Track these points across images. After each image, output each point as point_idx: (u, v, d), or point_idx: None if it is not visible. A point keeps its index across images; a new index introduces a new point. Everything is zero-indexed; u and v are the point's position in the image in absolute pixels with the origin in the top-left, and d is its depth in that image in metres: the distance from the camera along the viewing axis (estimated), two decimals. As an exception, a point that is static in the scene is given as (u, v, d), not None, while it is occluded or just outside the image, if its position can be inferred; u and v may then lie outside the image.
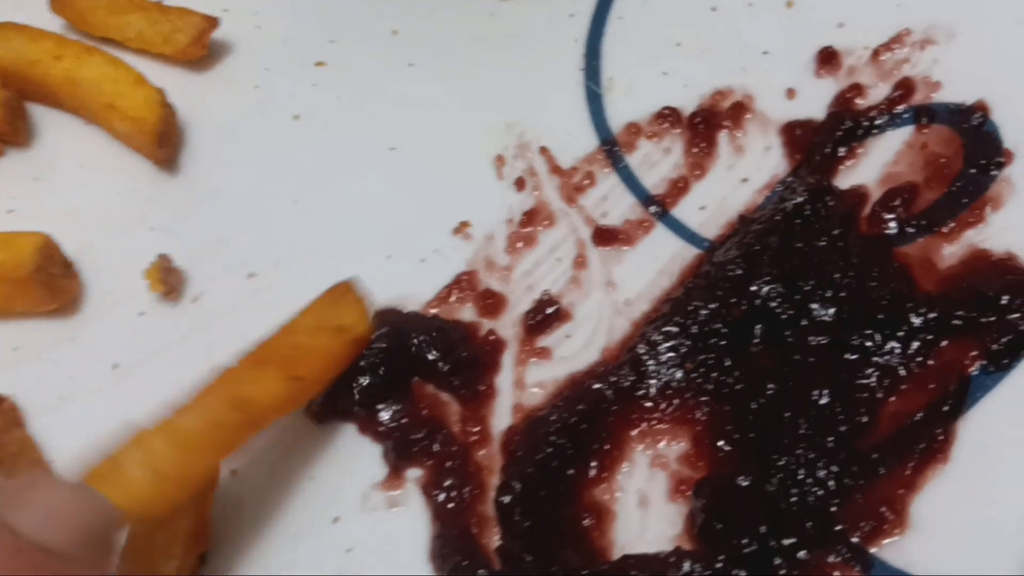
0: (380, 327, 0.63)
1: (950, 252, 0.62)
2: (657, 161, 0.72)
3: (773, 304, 0.61)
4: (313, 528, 0.60)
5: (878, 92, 0.70)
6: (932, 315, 0.58)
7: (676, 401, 0.60)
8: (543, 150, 0.72)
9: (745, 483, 0.55)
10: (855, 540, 0.53)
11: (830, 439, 0.56)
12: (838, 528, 0.53)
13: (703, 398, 0.60)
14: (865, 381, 0.57)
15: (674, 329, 0.62)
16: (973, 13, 0.71)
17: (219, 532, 0.59)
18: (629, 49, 0.77)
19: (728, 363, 0.60)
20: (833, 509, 0.53)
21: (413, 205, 0.71)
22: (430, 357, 0.63)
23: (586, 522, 0.58)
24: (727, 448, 0.58)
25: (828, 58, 0.73)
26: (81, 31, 0.77)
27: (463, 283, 0.67)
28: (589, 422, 0.61)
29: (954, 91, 0.69)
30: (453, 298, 0.67)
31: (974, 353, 0.57)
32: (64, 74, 0.72)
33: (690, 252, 0.67)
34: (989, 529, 0.53)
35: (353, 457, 0.62)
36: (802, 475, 0.54)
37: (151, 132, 0.70)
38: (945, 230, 0.63)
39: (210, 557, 0.59)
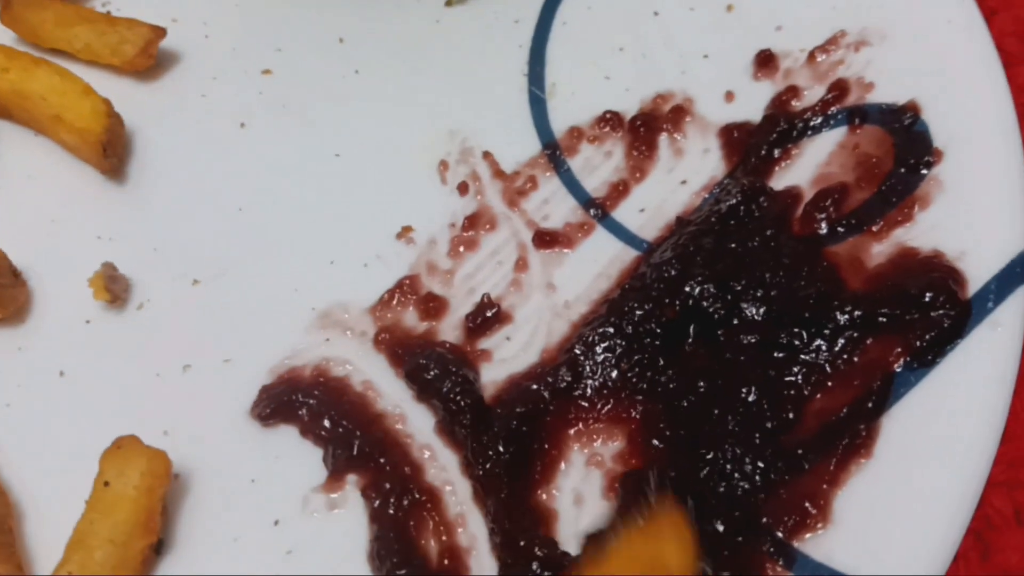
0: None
1: (879, 251, 0.63)
2: (598, 165, 0.73)
3: (706, 304, 0.62)
4: (254, 531, 0.61)
5: (814, 94, 0.71)
6: (857, 313, 0.59)
7: (611, 400, 0.61)
8: (486, 155, 0.73)
9: (672, 475, 0.56)
10: (779, 534, 0.54)
11: (757, 435, 0.57)
12: (763, 521, 0.54)
13: (638, 397, 0.61)
14: (792, 379, 0.58)
15: (610, 330, 0.63)
16: (906, 14, 0.72)
17: (161, 534, 0.60)
18: (573, 54, 0.78)
19: (662, 362, 0.61)
20: (758, 503, 0.54)
21: (357, 211, 0.72)
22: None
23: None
24: (660, 445, 0.59)
25: (766, 61, 0.73)
26: (31, 43, 0.78)
27: (405, 287, 0.68)
28: (528, 424, 0.62)
29: (887, 91, 0.69)
30: (395, 302, 0.68)
31: (898, 350, 0.58)
32: (11, 86, 0.73)
33: (629, 254, 0.69)
34: (909, 522, 0.54)
35: (294, 461, 0.63)
36: (729, 469, 0.55)
37: (97, 142, 0.71)
38: (874, 229, 0.64)
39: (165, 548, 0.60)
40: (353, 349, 0.66)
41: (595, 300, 0.67)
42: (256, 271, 0.69)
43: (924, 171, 0.65)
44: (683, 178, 0.71)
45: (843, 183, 0.66)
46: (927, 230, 0.63)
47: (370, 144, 0.75)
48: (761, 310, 0.61)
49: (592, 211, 0.70)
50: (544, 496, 0.60)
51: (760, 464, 0.55)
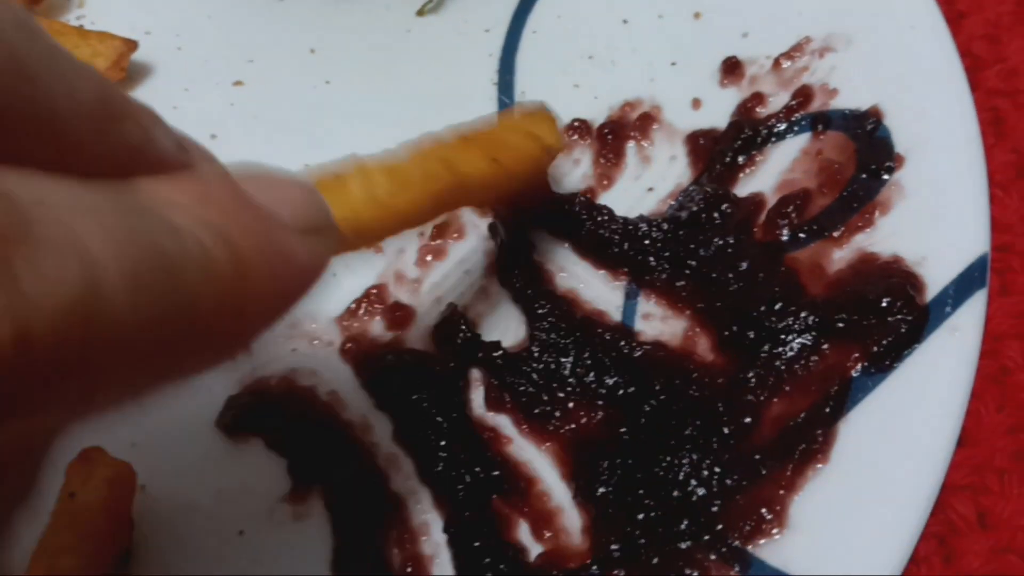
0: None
1: (840, 256, 0.63)
2: (567, 172, 0.73)
3: (667, 311, 0.63)
4: (220, 541, 0.61)
5: (779, 100, 0.72)
6: (815, 319, 0.59)
7: (571, 405, 0.61)
8: (455, 164, 0.74)
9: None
10: (734, 540, 0.54)
11: (714, 441, 0.57)
12: (718, 528, 0.54)
13: (599, 402, 0.61)
14: (750, 384, 0.58)
15: (570, 338, 0.63)
16: (871, 19, 0.72)
17: (128, 545, 0.60)
18: (542, 63, 0.79)
19: (618, 368, 0.61)
20: (714, 510, 0.55)
21: (326, 221, 0.72)
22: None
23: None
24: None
25: (732, 68, 0.74)
26: (4, 57, 0.78)
27: (372, 297, 0.69)
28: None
29: (850, 97, 0.70)
30: (362, 312, 0.68)
31: (856, 355, 0.58)
32: (-17, 100, 0.74)
33: (595, 261, 0.69)
34: (867, 528, 0.54)
35: (260, 471, 0.63)
36: (683, 476, 0.56)
37: (67, 155, 0.71)
38: (836, 235, 0.64)
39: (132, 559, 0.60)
40: (319, 359, 0.67)
41: (561, 308, 0.67)
42: (225, 282, 0.69)
43: (885, 176, 0.65)
44: (650, 185, 0.71)
45: (805, 189, 0.66)
46: (888, 235, 0.63)
47: (341, 154, 0.74)
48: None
49: (559, 220, 0.71)
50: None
51: (717, 470, 0.56)
